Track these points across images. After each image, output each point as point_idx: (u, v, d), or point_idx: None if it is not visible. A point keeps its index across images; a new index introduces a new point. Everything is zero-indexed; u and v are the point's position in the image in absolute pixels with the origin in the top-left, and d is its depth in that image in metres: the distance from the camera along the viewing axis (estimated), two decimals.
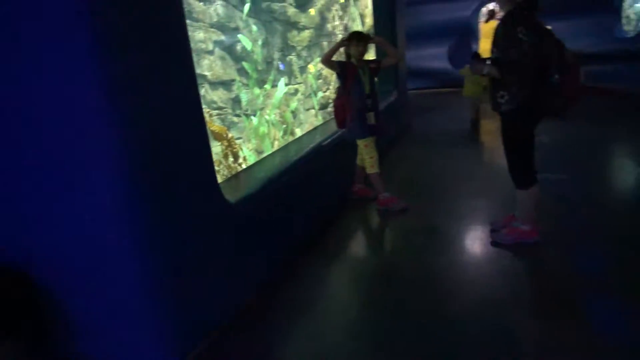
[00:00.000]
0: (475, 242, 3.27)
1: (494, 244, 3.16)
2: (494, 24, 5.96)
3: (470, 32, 10.80)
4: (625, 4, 9.59)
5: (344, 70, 3.75)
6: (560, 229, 3.30)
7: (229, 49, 3.46)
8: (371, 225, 3.92)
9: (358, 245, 3.59)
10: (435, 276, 2.85)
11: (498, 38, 2.83)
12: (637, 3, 9.53)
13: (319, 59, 5.03)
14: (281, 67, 4.07)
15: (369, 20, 6.81)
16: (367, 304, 2.71)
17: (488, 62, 2.86)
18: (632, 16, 9.70)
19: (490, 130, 6.66)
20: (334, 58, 3.71)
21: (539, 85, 2.74)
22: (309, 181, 3.59)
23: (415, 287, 2.75)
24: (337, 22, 5.57)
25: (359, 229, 3.87)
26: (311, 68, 4.53)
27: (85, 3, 1.64)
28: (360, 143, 3.93)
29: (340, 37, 5.63)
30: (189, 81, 2.21)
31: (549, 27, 2.81)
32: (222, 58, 3.41)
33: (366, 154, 3.92)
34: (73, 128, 1.78)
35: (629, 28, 9.50)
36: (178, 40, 2.12)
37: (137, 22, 1.85)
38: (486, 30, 8.59)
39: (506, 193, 3.37)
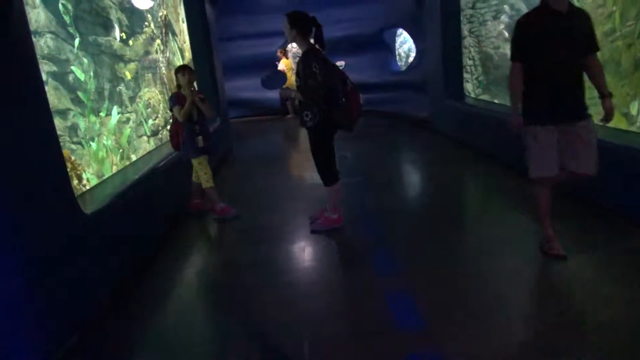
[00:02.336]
0: (299, 232, 4.08)
1: (313, 231, 4.02)
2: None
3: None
4: (397, 44, 11.94)
5: (176, 102, 4.30)
6: (356, 214, 4.35)
7: (62, 80, 3.68)
8: (210, 231, 4.48)
9: (201, 247, 4.15)
10: (268, 260, 3.57)
11: (299, 71, 3.69)
12: (404, 43, 11.92)
13: (147, 89, 5.40)
14: (114, 113, 4.41)
15: (189, 55, 7.36)
16: (211, 289, 3.34)
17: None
18: (402, 53, 12.08)
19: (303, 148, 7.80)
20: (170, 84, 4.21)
21: (331, 107, 3.67)
22: (152, 196, 4.00)
23: (253, 271, 3.42)
24: (159, 55, 6.00)
25: (200, 234, 4.40)
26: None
27: None
28: (194, 162, 4.48)
29: (163, 69, 6.07)
30: (44, 110, 2.55)
31: (342, 61, 3.80)
32: (55, 88, 3.61)
33: (200, 171, 4.47)
34: None
35: (401, 63, 11.81)
36: (31, 73, 2.45)
37: None
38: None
39: (318, 193, 4.27)
